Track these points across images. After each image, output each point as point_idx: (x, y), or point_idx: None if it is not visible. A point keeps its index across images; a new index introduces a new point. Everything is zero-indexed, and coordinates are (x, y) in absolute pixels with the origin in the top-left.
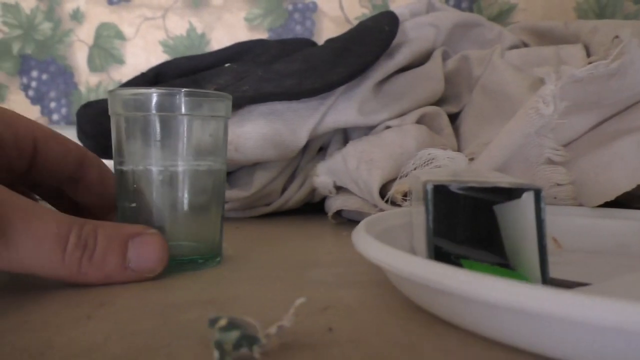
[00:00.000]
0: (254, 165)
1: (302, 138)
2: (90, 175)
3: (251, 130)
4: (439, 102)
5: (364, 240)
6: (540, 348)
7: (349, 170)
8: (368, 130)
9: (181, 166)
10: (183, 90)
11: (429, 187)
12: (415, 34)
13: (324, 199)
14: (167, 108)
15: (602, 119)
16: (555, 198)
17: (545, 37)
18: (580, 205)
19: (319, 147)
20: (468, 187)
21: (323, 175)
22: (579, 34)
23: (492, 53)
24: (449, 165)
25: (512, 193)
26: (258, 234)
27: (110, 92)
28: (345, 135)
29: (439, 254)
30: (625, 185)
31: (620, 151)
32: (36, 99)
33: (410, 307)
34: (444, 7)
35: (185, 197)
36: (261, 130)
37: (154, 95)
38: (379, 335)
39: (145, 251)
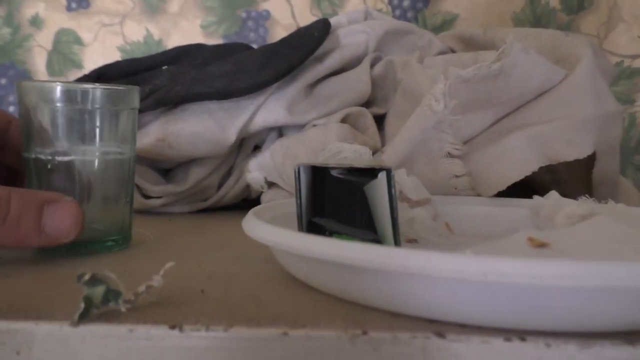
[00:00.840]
0: (190, 162)
1: (231, 135)
2: (16, 138)
3: (183, 128)
4: (367, 104)
5: (248, 221)
6: (376, 302)
7: (276, 166)
8: (299, 129)
9: (89, 155)
10: (88, 83)
11: (298, 167)
12: (348, 40)
13: (260, 195)
14: (74, 100)
15: (498, 118)
16: (455, 188)
17: (469, 44)
18: (478, 195)
19: (254, 145)
20: (333, 167)
21: (255, 172)
22: (494, 40)
23: (412, 58)
24: (355, 158)
25: (372, 174)
26: (185, 225)
27: (19, 82)
28: (279, 134)
29: (314, 231)
30: (515, 176)
31: (511, 145)
32: None
33: (285, 277)
34: (381, 15)
35: (94, 185)
36: (193, 128)
37: (59, 87)
38: (243, 295)
39: (61, 217)
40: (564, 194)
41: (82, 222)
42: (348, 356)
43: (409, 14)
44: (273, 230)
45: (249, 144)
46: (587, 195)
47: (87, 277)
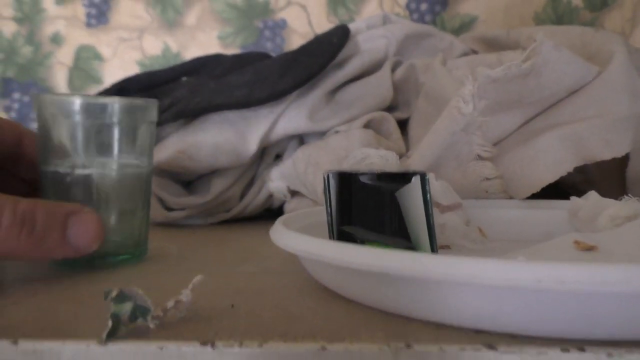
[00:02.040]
0: (212, 173)
1: (252, 145)
2: (30, 150)
3: (203, 139)
4: (389, 109)
5: (276, 230)
6: (418, 313)
7: (299, 174)
8: (321, 136)
9: (107, 169)
10: (107, 97)
11: (327, 174)
12: (368, 45)
13: (283, 205)
14: (92, 113)
15: (529, 118)
16: (487, 192)
17: (492, 45)
18: (511, 198)
19: (275, 155)
20: (363, 173)
21: (277, 180)
22: (518, 40)
23: (434, 60)
24: (382, 164)
25: (404, 179)
26: (209, 237)
27: (37, 96)
28: (301, 142)
29: (344, 239)
30: (549, 178)
31: (544, 146)
32: (18, 121)
33: (317, 288)
34: (399, 19)
35: (111, 198)
36: (213, 139)
37: (77, 100)
38: (274, 308)
39: (85, 228)
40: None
41: (103, 233)
42: None
43: (427, 18)
44: (304, 239)
45: (271, 153)
46: (629, 195)
47: (114, 293)
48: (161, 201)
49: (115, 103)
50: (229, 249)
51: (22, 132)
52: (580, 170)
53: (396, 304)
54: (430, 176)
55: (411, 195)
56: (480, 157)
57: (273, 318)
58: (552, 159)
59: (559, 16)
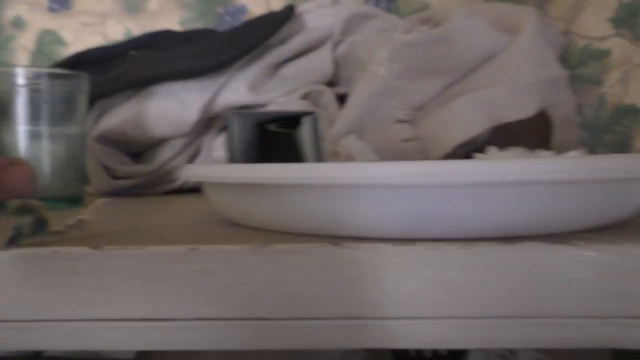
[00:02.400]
0: (158, 144)
1: (193, 114)
2: None
3: (147, 108)
4: (332, 84)
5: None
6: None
7: None
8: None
9: (43, 130)
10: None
11: (230, 114)
12: (314, 23)
13: None
14: (29, 83)
15: (448, 84)
16: (405, 152)
17: (429, 24)
18: (428, 158)
19: (221, 126)
20: (263, 115)
21: (219, 150)
22: (447, 16)
23: (372, 37)
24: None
25: (298, 119)
26: (151, 204)
27: None
28: None
29: None
30: (460, 138)
31: (457, 109)
32: None
33: (220, 223)
34: (348, 1)
35: (46, 156)
36: (157, 108)
37: (17, 71)
38: (171, 231)
39: (17, 178)
40: None
41: (32, 181)
42: (250, 267)
43: (382, 4)
44: (194, 167)
45: (216, 124)
46: None
47: (15, 204)
48: (107, 170)
49: (45, 74)
50: (162, 208)
51: None
52: (511, 142)
53: (262, 215)
54: (352, 137)
55: (304, 134)
56: (399, 120)
57: (162, 236)
58: (464, 120)
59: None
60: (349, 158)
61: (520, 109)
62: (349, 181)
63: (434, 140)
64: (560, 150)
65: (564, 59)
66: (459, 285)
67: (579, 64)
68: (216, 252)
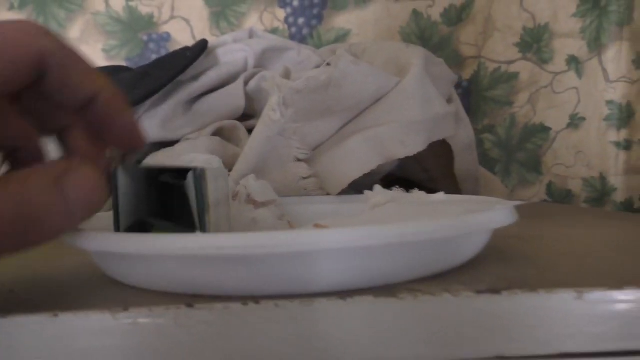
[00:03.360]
0: None
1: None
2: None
3: None
4: (248, 118)
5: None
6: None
7: None
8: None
9: None
10: None
11: (114, 169)
12: (227, 58)
13: None
14: None
15: (344, 123)
16: (305, 189)
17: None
18: (328, 194)
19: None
20: (150, 168)
21: None
22: (356, 54)
23: (278, 72)
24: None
25: (184, 173)
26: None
27: None
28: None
29: (136, 230)
30: (355, 174)
31: (352, 147)
32: None
33: (96, 277)
34: (265, 35)
35: None
36: None
37: None
38: (52, 291)
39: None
40: (438, 189)
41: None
42: (112, 331)
43: (305, 31)
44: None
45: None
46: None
47: None
48: None
49: None
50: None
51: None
52: (424, 170)
53: (126, 278)
54: (251, 177)
55: (190, 189)
56: (298, 159)
57: (40, 297)
58: (358, 158)
59: (422, 30)
60: (248, 198)
61: (408, 147)
62: (182, 252)
63: (331, 177)
64: (461, 175)
65: (476, 82)
66: (299, 339)
67: (490, 86)
68: (78, 318)
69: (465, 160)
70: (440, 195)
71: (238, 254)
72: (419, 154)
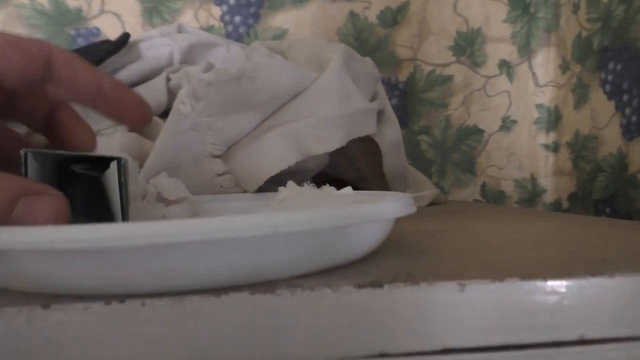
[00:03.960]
0: None
1: None
2: (69, 76)
3: None
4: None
5: None
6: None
7: None
8: None
9: None
10: None
11: (24, 152)
12: (151, 53)
13: None
14: None
15: (263, 119)
16: (221, 186)
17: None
18: (245, 191)
19: None
20: (62, 155)
21: None
22: (283, 51)
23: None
24: None
25: (104, 163)
26: None
27: None
28: None
29: None
30: (271, 171)
31: (268, 143)
32: None
33: None
34: (194, 30)
35: None
36: None
37: None
38: None
39: (38, 212)
40: (369, 189)
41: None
42: None
43: (241, 29)
44: None
45: None
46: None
47: None
48: None
49: None
50: None
51: (50, 51)
52: (355, 169)
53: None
54: (162, 174)
55: (110, 179)
56: (213, 155)
57: None
58: (274, 154)
59: (358, 31)
60: (158, 196)
61: (325, 143)
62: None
63: (247, 174)
64: (390, 174)
65: (412, 83)
66: (168, 340)
67: (425, 88)
68: None
69: (393, 159)
70: (348, 190)
71: (92, 247)
72: (350, 153)
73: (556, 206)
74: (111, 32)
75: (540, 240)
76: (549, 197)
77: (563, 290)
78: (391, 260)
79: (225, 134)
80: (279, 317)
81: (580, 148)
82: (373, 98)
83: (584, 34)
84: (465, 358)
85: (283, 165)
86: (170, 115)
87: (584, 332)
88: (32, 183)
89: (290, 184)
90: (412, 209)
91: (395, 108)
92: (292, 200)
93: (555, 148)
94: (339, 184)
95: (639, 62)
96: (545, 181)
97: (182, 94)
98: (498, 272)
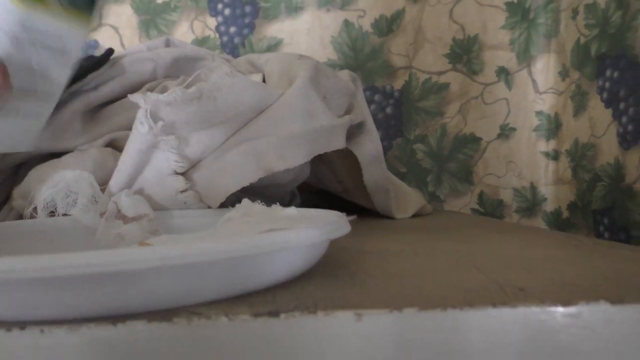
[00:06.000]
0: None
1: None
2: None
3: None
4: None
5: None
6: None
7: (31, 191)
8: None
9: None
10: None
11: None
12: (134, 68)
13: None
14: None
15: (228, 136)
16: (185, 203)
17: (254, 66)
18: (209, 207)
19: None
20: None
21: (18, 199)
22: (261, 65)
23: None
24: (74, 185)
25: None
26: None
27: None
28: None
29: None
30: (233, 187)
31: (231, 160)
32: None
33: None
34: (181, 43)
35: None
36: None
37: None
38: None
39: None
40: (353, 200)
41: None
42: None
43: (236, 40)
44: None
45: (24, 173)
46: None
47: None
48: None
49: None
50: None
51: None
52: (340, 181)
53: None
54: (124, 192)
55: None
56: (175, 172)
57: None
58: (237, 171)
59: (353, 40)
60: (118, 214)
61: (288, 160)
62: None
63: (211, 190)
64: (371, 187)
65: (407, 92)
66: None
67: (421, 97)
68: None
69: (373, 172)
70: (292, 210)
71: None
72: (333, 165)
73: (556, 216)
74: (109, 44)
75: (483, 265)
76: (549, 207)
77: (464, 321)
78: (310, 286)
79: (189, 150)
80: (177, 345)
81: (580, 157)
82: (347, 112)
83: (582, 40)
84: None
85: (245, 182)
86: (131, 134)
87: None
88: None
89: (245, 201)
90: (334, 234)
91: (391, 117)
92: (236, 220)
93: (555, 156)
94: (324, 195)
95: (636, 69)
96: (546, 190)
97: (139, 114)
98: (401, 300)
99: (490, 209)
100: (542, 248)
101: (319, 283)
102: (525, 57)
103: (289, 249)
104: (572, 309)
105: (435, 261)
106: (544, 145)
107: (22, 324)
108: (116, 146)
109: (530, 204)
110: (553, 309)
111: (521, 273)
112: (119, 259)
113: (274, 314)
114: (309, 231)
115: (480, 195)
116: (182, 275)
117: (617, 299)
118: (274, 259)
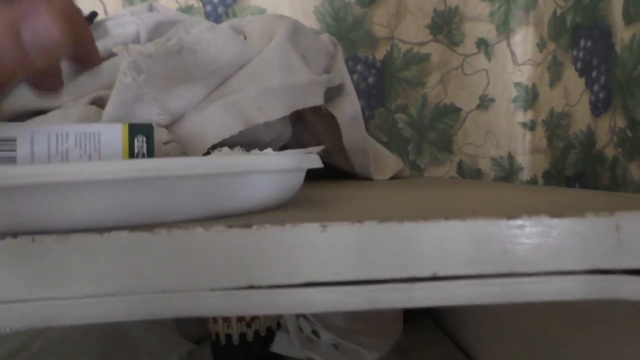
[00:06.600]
0: None
1: None
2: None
3: None
4: None
5: None
6: None
7: None
8: None
9: None
10: None
11: None
12: (118, 31)
13: None
14: None
15: (210, 91)
16: (168, 154)
17: (238, 31)
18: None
19: None
20: None
21: None
22: (242, 27)
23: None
24: None
25: None
26: None
27: None
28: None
29: None
30: (214, 139)
31: (211, 113)
32: None
33: None
34: (164, 9)
35: None
36: None
37: None
38: None
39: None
40: (333, 163)
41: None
42: None
43: (220, 9)
44: None
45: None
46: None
47: None
48: None
49: None
50: None
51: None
52: (319, 143)
53: None
54: None
55: None
56: (159, 125)
57: None
58: (217, 124)
59: (335, 10)
60: None
61: (267, 113)
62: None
63: (192, 142)
64: (350, 148)
65: (389, 62)
66: (57, 275)
67: (402, 67)
68: None
69: (352, 133)
70: (268, 151)
71: None
72: (314, 128)
73: (532, 184)
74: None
75: (444, 200)
76: (525, 175)
77: (419, 232)
78: (283, 212)
79: (171, 104)
80: (155, 252)
81: (555, 126)
82: (327, 71)
83: (558, 11)
84: (325, 290)
85: (226, 134)
86: (115, 86)
87: (436, 270)
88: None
89: (225, 149)
90: (306, 164)
91: (373, 86)
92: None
93: (532, 126)
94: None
95: (608, 39)
96: (522, 159)
97: (123, 66)
98: (363, 217)
99: (469, 177)
100: (504, 191)
101: (291, 210)
102: (504, 29)
103: (261, 172)
104: (517, 221)
105: (401, 201)
106: (521, 116)
107: (14, 234)
108: (100, 105)
109: (507, 172)
110: (499, 221)
111: (476, 202)
112: (104, 168)
113: (247, 225)
114: (281, 157)
115: (460, 164)
116: (160, 189)
117: (556, 214)
118: (248, 181)
